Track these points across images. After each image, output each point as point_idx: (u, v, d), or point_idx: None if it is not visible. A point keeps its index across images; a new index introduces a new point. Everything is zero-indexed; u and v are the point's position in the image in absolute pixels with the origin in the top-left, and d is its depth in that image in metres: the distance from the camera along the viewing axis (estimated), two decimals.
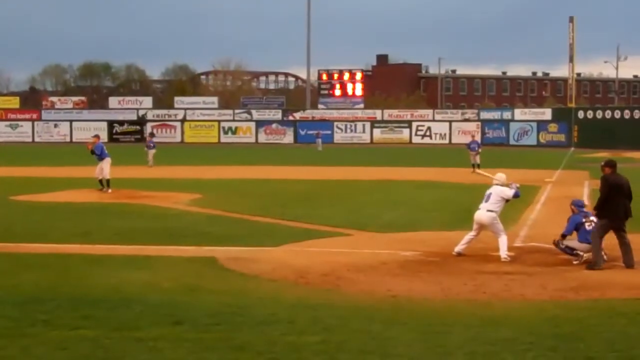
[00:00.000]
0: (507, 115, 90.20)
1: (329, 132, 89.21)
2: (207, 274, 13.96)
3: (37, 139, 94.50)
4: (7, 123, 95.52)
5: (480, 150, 42.50)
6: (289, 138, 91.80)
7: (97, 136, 33.99)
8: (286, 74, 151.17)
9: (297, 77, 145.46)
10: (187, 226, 20.31)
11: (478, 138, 55.55)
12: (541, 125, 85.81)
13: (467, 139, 49.49)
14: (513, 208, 19.56)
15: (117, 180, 30.23)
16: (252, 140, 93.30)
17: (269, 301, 11.83)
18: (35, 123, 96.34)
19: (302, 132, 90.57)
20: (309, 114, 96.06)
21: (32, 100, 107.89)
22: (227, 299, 11.86)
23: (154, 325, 10.17)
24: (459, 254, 15.74)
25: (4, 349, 9.17)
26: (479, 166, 39.14)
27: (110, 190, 29.28)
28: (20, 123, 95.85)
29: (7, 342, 9.40)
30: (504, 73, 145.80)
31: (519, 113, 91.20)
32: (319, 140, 76.93)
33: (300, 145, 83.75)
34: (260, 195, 29.64)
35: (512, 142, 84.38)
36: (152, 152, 47.56)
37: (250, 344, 9.43)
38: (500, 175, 16.80)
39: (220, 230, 19.55)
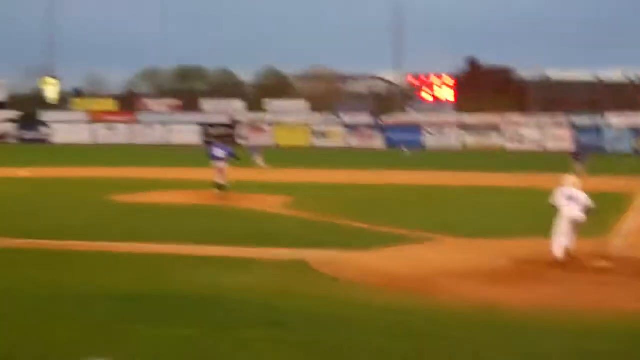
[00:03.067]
0: (600, 121, 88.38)
1: (418, 136, 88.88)
2: (300, 277, 14.11)
3: (133, 141, 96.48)
4: (104, 125, 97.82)
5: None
6: (378, 142, 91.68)
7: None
8: (377, 78, 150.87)
9: (387, 81, 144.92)
10: (280, 229, 20.56)
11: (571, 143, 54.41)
12: (636, 131, 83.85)
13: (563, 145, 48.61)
14: (607, 217, 19.25)
15: (209, 183, 30.62)
16: (342, 144, 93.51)
17: (360, 305, 11.94)
18: (131, 125, 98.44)
19: (392, 136, 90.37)
20: (398, 118, 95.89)
21: (128, 103, 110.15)
22: (320, 303, 12.01)
23: (250, 326, 10.36)
24: (561, 258, 15.51)
25: (105, 345, 9.42)
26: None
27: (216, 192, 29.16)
28: (116, 125, 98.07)
29: (106, 338, 9.67)
30: (597, 77, 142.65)
31: (613, 118, 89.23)
32: (404, 146, 76.48)
33: (389, 150, 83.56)
34: (351, 199, 29.79)
35: (605, 148, 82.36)
36: (256, 155, 48.81)
37: (341, 347, 9.55)
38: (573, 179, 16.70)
39: (312, 233, 19.75)
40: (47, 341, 9.44)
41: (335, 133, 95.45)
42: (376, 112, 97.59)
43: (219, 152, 29.94)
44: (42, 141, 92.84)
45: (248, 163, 46.35)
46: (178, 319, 10.66)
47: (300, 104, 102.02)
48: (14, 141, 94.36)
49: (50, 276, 13.41)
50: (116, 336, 9.73)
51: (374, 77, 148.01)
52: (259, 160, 47.87)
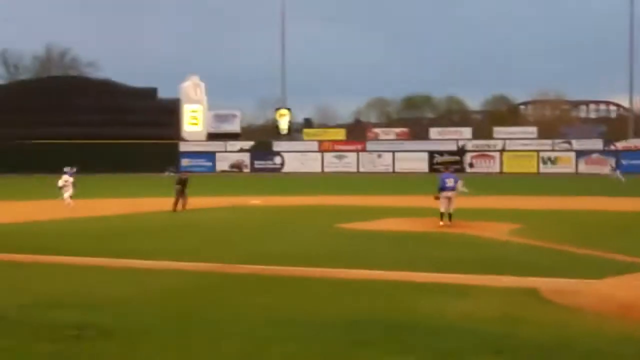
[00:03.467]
0: None
1: None
2: (528, 305, 13.77)
3: (361, 169, 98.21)
4: (334, 154, 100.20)
5: None
6: (610, 168, 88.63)
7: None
8: (607, 102, 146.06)
9: (618, 106, 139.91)
10: (507, 256, 20.21)
11: None
12: None
13: None
14: None
15: (435, 210, 30.51)
16: (572, 170, 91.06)
17: (593, 335, 11.50)
18: (360, 154, 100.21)
19: (624, 162, 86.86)
20: (632, 143, 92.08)
21: (357, 132, 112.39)
22: (549, 331, 11.66)
23: (475, 354, 10.21)
24: None
25: None
26: None
27: (441, 223, 28.60)
28: (345, 154, 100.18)
29: None
30: None
31: None
32: (618, 171, 73.56)
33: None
34: (581, 226, 28.84)
35: None
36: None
37: None
38: None
39: (541, 261, 19.26)
40: None
41: (564, 159, 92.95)
42: (608, 138, 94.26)
43: (449, 180, 29.57)
44: (274, 170, 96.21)
45: (479, 191, 46.04)
46: (402, 345, 10.64)
47: (529, 131, 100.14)
48: (248, 170, 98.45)
49: (277, 301, 13.78)
50: None
51: (605, 102, 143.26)
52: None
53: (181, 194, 37.17)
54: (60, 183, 39.94)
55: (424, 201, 34.19)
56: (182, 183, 37.49)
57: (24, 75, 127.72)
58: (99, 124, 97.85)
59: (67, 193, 37.10)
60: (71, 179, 37.24)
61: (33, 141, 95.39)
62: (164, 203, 38.54)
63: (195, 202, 39.58)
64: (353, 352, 10.32)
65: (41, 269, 17.91)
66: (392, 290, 15.00)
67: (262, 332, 11.32)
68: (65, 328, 11.43)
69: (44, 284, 15.72)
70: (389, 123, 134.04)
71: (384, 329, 11.64)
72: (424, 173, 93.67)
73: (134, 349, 10.42)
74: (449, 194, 28.91)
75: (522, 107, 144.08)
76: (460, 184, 47.88)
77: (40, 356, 10.10)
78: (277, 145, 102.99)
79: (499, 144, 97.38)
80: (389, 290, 14.98)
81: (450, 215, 28.70)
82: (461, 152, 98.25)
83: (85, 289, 15.13)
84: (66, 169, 42.78)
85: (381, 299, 14.09)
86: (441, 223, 28.42)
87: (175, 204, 36.69)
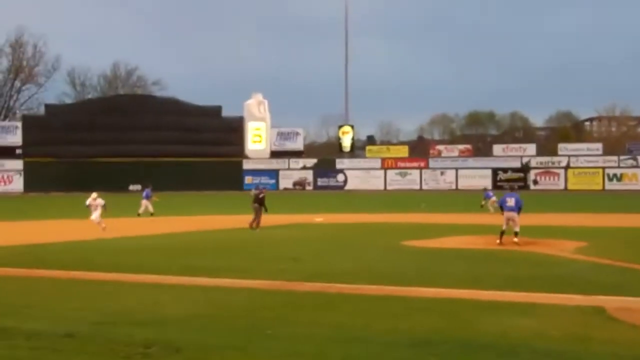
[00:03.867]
0: None
1: None
2: (595, 323, 13.69)
3: (424, 187, 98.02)
4: (397, 171, 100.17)
5: None
6: None
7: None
8: None
9: None
10: (573, 274, 20.05)
11: None
12: None
13: None
14: None
15: (499, 227, 30.31)
16: (638, 187, 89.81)
17: None
18: (423, 171, 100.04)
19: None
20: None
21: (420, 149, 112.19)
22: (618, 351, 11.59)
23: None
24: None
25: None
26: None
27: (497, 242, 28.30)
28: (409, 171, 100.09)
29: None
30: None
31: None
32: None
33: None
34: None
35: None
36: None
37: None
38: None
39: (608, 279, 19.09)
40: None
41: (630, 175, 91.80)
42: None
43: (510, 200, 29.17)
44: (337, 188, 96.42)
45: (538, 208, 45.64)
46: None
47: (594, 147, 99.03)
48: (311, 188, 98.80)
49: (345, 319, 13.86)
50: None
51: None
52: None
53: (259, 211, 37.17)
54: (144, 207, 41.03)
55: (488, 219, 34.09)
56: (260, 201, 37.45)
57: (91, 94, 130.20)
58: (164, 142, 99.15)
59: (96, 214, 36.67)
60: (101, 202, 36.80)
61: (100, 159, 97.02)
62: (231, 220, 38.94)
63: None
64: None
65: (111, 287, 18.26)
66: (459, 309, 15.01)
67: (332, 350, 11.42)
68: (134, 345, 11.69)
69: (113, 301, 16.03)
70: (452, 140, 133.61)
71: (454, 348, 11.65)
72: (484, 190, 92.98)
73: None
74: (509, 214, 28.66)
75: (586, 123, 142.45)
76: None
77: None
78: (340, 163, 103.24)
79: (563, 161, 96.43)
80: (457, 309, 14.99)
81: (516, 233, 28.47)
82: (525, 169, 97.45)
83: (153, 306, 15.41)
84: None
85: (450, 318, 14.09)
86: (497, 242, 28.27)
87: (254, 222, 36.86)
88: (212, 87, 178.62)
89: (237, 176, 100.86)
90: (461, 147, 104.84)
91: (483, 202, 49.86)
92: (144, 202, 45.82)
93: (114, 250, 27.00)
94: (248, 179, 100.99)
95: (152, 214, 44.62)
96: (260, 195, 37.96)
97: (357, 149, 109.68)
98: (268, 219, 42.21)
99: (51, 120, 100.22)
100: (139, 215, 43.64)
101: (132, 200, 72.93)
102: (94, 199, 36.33)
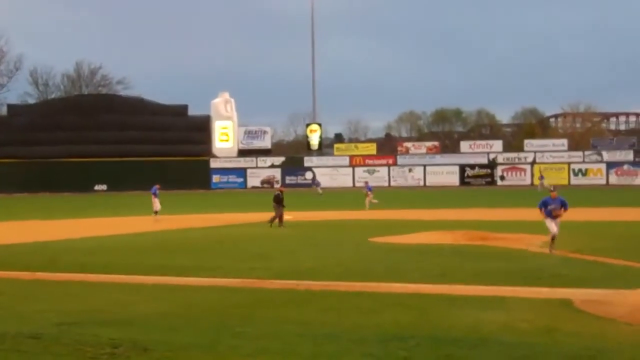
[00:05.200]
0: None
1: None
2: (562, 316, 13.76)
3: (392, 183, 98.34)
4: (365, 168, 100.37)
5: None
6: None
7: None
8: (638, 114, 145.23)
9: None
10: (541, 268, 20.12)
11: None
12: None
13: None
14: None
15: (466, 223, 30.60)
16: (603, 181, 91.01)
17: (628, 346, 11.47)
18: (391, 168, 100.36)
19: None
20: None
21: (388, 147, 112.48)
22: (584, 342, 11.65)
23: None
24: None
25: None
26: None
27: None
28: (377, 168, 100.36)
29: None
30: None
31: None
32: None
33: None
34: (613, 237, 28.76)
35: None
36: None
37: None
38: None
39: (575, 272, 19.20)
40: None
41: (595, 170, 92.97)
42: (638, 149, 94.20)
43: (555, 208, 24.92)
44: (305, 186, 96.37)
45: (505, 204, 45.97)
46: (444, 359, 10.68)
47: (560, 143, 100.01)
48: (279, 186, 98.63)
49: (314, 316, 13.84)
50: None
51: (635, 114, 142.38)
52: None
53: (279, 210, 37.21)
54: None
55: (456, 214, 34.21)
56: (278, 201, 37.53)
57: (54, 94, 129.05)
58: (129, 141, 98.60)
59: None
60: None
61: (64, 159, 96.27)
62: (199, 219, 38.73)
63: (227, 218, 39.83)
64: None
65: (77, 287, 18.11)
66: (429, 303, 15.03)
67: (301, 347, 11.38)
68: (101, 345, 11.58)
69: (80, 302, 15.89)
70: (420, 137, 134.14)
71: (424, 342, 11.66)
72: (455, 187, 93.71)
73: None
74: (554, 222, 24.81)
75: (552, 120, 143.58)
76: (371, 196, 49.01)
77: None
78: (308, 161, 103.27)
79: (529, 156, 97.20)
80: (426, 304, 15.01)
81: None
82: (492, 165, 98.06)
83: (121, 305, 15.29)
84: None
85: (419, 313, 14.11)
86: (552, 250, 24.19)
87: (274, 219, 36.94)
88: (179, 86, 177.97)
89: (204, 175, 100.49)
90: (429, 144, 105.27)
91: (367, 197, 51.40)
92: (156, 200, 45.47)
93: (81, 250, 26.78)
94: (216, 178, 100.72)
95: (156, 213, 44.06)
96: (279, 194, 38.18)
97: (325, 147, 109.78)
98: (235, 217, 42.15)
99: (13, 121, 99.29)
100: (155, 213, 43.31)
101: (96, 199, 72.52)
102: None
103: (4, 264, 22.34)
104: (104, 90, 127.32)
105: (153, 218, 42.63)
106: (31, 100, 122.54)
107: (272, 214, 37.25)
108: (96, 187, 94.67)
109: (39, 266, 21.52)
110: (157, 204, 44.12)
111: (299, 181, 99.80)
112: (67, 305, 15.35)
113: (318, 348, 11.28)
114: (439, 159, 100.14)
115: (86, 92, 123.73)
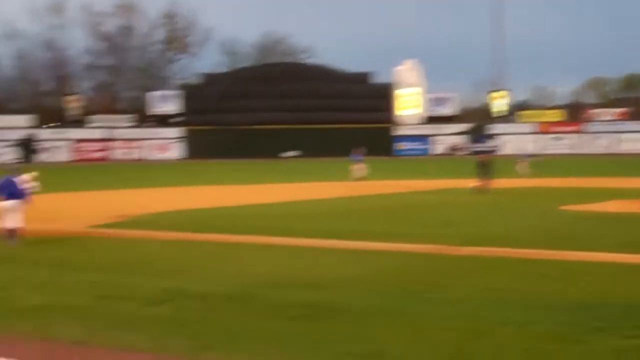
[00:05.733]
0: None
1: None
2: None
3: (579, 151, 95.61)
4: (552, 136, 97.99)
5: None
6: None
7: None
8: None
9: None
10: None
11: None
12: None
13: None
14: None
15: None
16: None
17: None
18: (578, 135, 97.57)
19: None
20: None
21: (574, 113, 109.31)
22: None
23: None
24: None
25: (560, 352, 9.49)
26: None
27: None
28: (563, 135, 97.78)
29: (561, 346, 9.68)
30: None
31: None
32: None
33: None
34: None
35: None
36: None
37: None
38: None
39: None
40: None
41: None
42: None
43: None
44: (490, 153, 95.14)
45: None
46: (636, 329, 10.35)
47: None
48: (464, 153, 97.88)
49: (506, 284, 13.72)
50: (574, 346, 9.70)
51: None
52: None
53: (485, 175, 37.35)
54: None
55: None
56: (484, 166, 37.75)
57: (243, 63, 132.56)
58: (313, 109, 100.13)
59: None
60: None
61: (252, 127, 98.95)
62: (384, 186, 39.09)
63: (412, 185, 40.00)
64: (592, 335, 10.14)
65: (270, 250, 18.70)
66: (623, 273, 14.68)
67: (490, 314, 11.39)
68: (295, 307, 11.94)
69: (272, 264, 16.41)
70: (608, 103, 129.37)
71: (616, 311, 11.42)
72: None
73: (361, 329, 10.72)
74: None
75: None
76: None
77: (271, 334, 10.53)
78: (493, 128, 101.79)
79: None
80: (620, 273, 14.66)
81: None
82: None
83: (312, 269, 15.71)
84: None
85: (614, 282, 13.78)
86: None
87: (480, 184, 37.08)
88: (363, 54, 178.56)
89: (387, 143, 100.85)
90: (617, 110, 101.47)
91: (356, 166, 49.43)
92: (359, 166, 46.45)
93: (271, 215, 27.54)
94: (400, 145, 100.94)
95: (360, 179, 44.77)
96: (485, 161, 38.20)
97: (510, 114, 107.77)
98: (419, 184, 42.26)
99: (209, 89, 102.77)
100: (359, 179, 44.32)
101: (284, 166, 74.32)
102: None
103: (202, 226, 23.28)
104: (289, 59, 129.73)
105: (353, 184, 43.30)
106: (223, 70, 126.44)
107: (478, 180, 37.03)
108: (286, 154, 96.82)
109: (232, 229, 22.33)
110: (360, 170, 44.89)
111: (484, 148, 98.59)
112: (260, 268, 15.87)
113: (507, 315, 11.26)
114: (628, 125, 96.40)
115: (272, 62, 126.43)
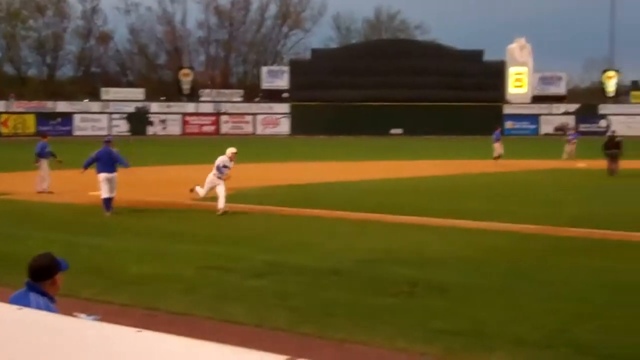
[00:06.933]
0: None
1: None
2: None
3: None
4: None
5: None
6: None
7: None
8: None
9: None
10: None
11: None
12: None
13: None
14: None
15: None
16: None
17: None
18: None
19: None
20: None
21: None
22: None
23: None
24: None
25: None
26: None
27: None
28: None
29: None
30: None
31: None
32: None
33: None
34: None
35: None
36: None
37: None
38: None
39: None
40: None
41: None
42: None
43: None
44: (598, 134, 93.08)
45: None
46: None
47: None
48: (572, 136, 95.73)
49: (612, 266, 13.63)
50: None
51: None
52: None
53: (614, 157, 36.03)
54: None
55: None
56: (611, 147, 36.29)
57: (355, 39, 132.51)
58: (425, 86, 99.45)
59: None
60: None
61: (362, 103, 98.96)
62: (492, 165, 38.75)
63: (518, 164, 39.56)
64: None
65: (375, 226, 18.88)
66: None
67: (595, 296, 11.33)
68: (399, 284, 12.10)
69: (377, 241, 16.59)
70: None
71: None
72: None
73: (464, 306, 10.85)
74: None
75: None
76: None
77: (376, 309, 10.74)
78: (604, 108, 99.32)
79: None
80: None
81: None
82: None
83: (417, 246, 15.83)
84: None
85: None
86: None
87: (611, 167, 35.84)
88: (474, 31, 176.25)
89: (497, 121, 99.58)
90: None
91: None
92: (497, 144, 46.18)
93: (378, 191, 27.65)
94: (509, 124, 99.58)
95: (498, 157, 44.41)
96: (615, 140, 36.80)
97: (622, 94, 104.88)
98: (527, 164, 41.73)
99: (317, 65, 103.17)
100: (496, 158, 44.11)
101: (392, 143, 74.22)
102: None
103: (308, 201, 23.57)
104: (401, 35, 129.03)
105: (493, 162, 43.17)
106: (333, 45, 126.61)
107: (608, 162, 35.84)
108: (392, 131, 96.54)
109: (340, 205, 22.56)
110: (499, 148, 44.75)
111: (593, 129, 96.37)
112: (364, 244, 16.09)
113: (612, 297, 11.22)
114: None
115: (385, 37, 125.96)
